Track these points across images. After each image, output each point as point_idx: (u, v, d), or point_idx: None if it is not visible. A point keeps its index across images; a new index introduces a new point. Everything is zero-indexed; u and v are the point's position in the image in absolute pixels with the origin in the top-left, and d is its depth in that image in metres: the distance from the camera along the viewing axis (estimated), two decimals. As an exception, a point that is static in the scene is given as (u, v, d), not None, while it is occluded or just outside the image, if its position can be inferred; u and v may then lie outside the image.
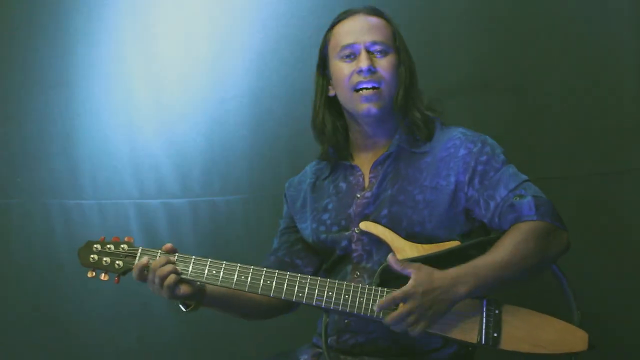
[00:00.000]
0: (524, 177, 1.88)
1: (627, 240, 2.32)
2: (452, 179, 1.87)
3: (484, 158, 1.88)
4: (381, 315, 1.77)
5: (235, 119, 2.84)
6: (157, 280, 1.84)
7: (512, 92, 2.49)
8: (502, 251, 1.76)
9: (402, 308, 1.71)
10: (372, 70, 1.90)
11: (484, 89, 2.52)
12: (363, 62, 1.90)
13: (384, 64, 1.92)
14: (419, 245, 1.83)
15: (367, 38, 1.93)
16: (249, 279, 1.84)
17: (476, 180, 1.87)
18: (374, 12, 1.99)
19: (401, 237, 1.85)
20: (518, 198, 1.82)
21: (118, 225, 2.93)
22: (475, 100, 2.52)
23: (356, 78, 1.92)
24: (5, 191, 3.07)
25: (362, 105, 1.91)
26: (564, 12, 2.43)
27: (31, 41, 3.03)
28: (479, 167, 1.87)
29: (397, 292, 1.71)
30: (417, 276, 1.71)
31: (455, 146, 1.91)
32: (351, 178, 1.99)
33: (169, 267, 1.85)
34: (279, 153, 2.76)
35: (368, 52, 1.92)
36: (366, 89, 1.91)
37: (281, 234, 2.11)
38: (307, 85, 2.75)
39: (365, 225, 1.88)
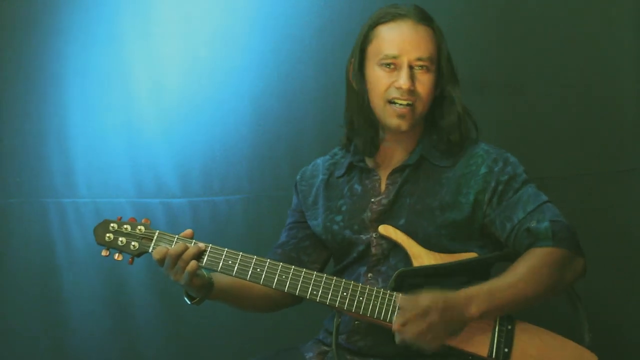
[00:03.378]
0: (544, 198, 1.85)
1: (628, 240, 2.32)
2: (471, 197, 1.85)
3: (504, 178, 1.86)
4: (395, 319, 1.75)
5: (235, 119, 2.84)
6: (180, 263, 1.80)
7: (511, 92, 2.48)
8: (516, 276, 1.74)
9: (418, 327, 1.68)
10: (411, 90, 1.85)
11: (482, 89, 2.51)
12: (404, 81, 1.83)
13: (424, 82, 1.86)
14: (436, 253, 1.83)
15: (413, 54, 1.85)
16: (265, 272, 1.82)
17: (495, 200, 1.85)
18: (423, 18, 1.90)
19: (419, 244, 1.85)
20: (535, 223, 1.80)
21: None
22: (474, 101, 2.50)
23: (393, 92, 1.86)
24: (3, 191, 3.08)
25: (394, 120, 1.87)
26: (564, 12, 2.42)
27: (28, 40, 3.03)
28: (500, 187, 1.85)
29: (412, 314, 1.68)
30: (431, 296, 1.68)
31: (477, 164, 1.88)
32: (367, 182, 1.96)
33: (195, 250, 1.82)
34: (279, 153, 2.76)
35: (411, 67, 1.85)
36: (400, 104, 1.85)
37: (289, 228, 2.08)
38: (307, 85, 2.77)
39: (384, 229, 1.86)
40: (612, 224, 2.34)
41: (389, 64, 1.86)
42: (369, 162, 1.98)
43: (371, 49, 1.90)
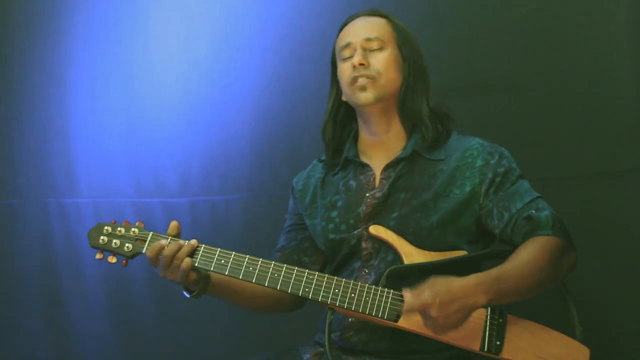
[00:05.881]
0: (537, 193, 1.90)
1: (627, 240, 2.31)
2: (468, 189, 1.88)
3: (501, 170, 1.90)
4: (386, 315, 1.77)
5: (235, 119, 2.84)
6: (175, 262, 1.83)
7: (511, 92, 2.48)
8: (522, 263, 1.75)
9: (421, 317, 1.68)
10: (364, 64, 1.94)
11: (483, 89, 2.51)
12: (356, 58, 1.95)
13: (379, 58, 1.96)
14: (427, 252, 1.84)
15: (361, 36, 1.98)
16: (257, 270, 1.84)
17: (492, 191, 1.88)
18: (373, 12, 2.05)
19: (409, 242, 1.86)
20: (535, 211, 1.83)
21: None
22: (474, 101, 2.51)
23: (352, 73, 1.96)
24: (5, 191, 3.08)
25: (359, 95, 1.95)
26: (564, 12, 2.42)
27: (29, 41, 3.04)
28: (497, 179, 1.89)
29: (415, 304, 1.65)
30: (434, 287, 1.65)
31: (472, 156, 1.92)
32: (362, 177, 1.99)
33: (189, 249, 1.85)
34: (279, 153, 2.76)
35: (364, 49, 1.96)
36: (360, 79, 1.94)
37: (288, 231, 2.11)
38: (307, 84, 2.77)
39: (375, 230, 1.88)
40: (612, 224, 2.33)
41: (347, 56, 1.99)
42: (364, 158, 2.02)
43: (336, 55, 2.04)
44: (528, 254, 1.77)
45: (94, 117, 2.99)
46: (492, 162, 1.91)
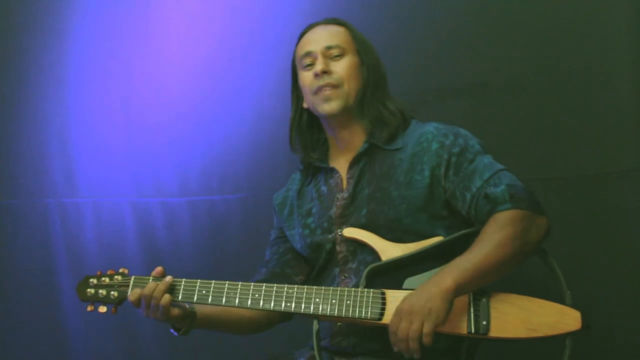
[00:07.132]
0: (500, 166, 1.89)
1: (627, 241, 2.31)
2: (427, 173, 1.90)
3: (457, 150, 1.90)
4: (369, 315, 1.78)
5: (234, 119, 2.85)
6: (153, 301, 1.88)
7: (512, 92, 2.48)
8: (480, 246, 1.76)
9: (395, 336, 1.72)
10: (326, 72, 1.97)
11: (484, 89, 2.51)
12: (317, 66, 1.98)
13: (340, 65, 1.99)
14: (402, 244, 1.86)
15: (322, 44, 2.01)
16: (238, 294, 1.88)
17: (451, 172, 1.89)
18: (332, 21, 2.09)
19: (383, 236, 1.88)
20: (492, 188, 1.83)
21: (113, 224, 2.94)
22: (475, 101, 2.51)
23: (315, 82, 1.99)
24: (5, 191, 3.08)
25: (324, 107, 1.98)
26: (564, 12, 2.42)
27: (28, 41, 3.04)
28: (453, 159, 1.89)
29: (399, 331, 1.70)
30: (408, 302, 1.71)
31: (427, 140, 1.93)
32: (331, 181, 2.04)
33: (164, 286, 1.89)
34: (278, 152, 2.75)
35: (325, 57, 1.99)
36: (325, 89, 1.97)
37: (271, 245, 2.16)
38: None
39: (348, 232, 1.92)
40: (612, 224, 2.33)
41: (308, 64, 2.02)
42: (332, 162, 2.06)
43: (296, 62, 2.06)
44: (488, 235, 1.77)
45: (93, 117, 3.00)
46: (447, 143, 1.91)
